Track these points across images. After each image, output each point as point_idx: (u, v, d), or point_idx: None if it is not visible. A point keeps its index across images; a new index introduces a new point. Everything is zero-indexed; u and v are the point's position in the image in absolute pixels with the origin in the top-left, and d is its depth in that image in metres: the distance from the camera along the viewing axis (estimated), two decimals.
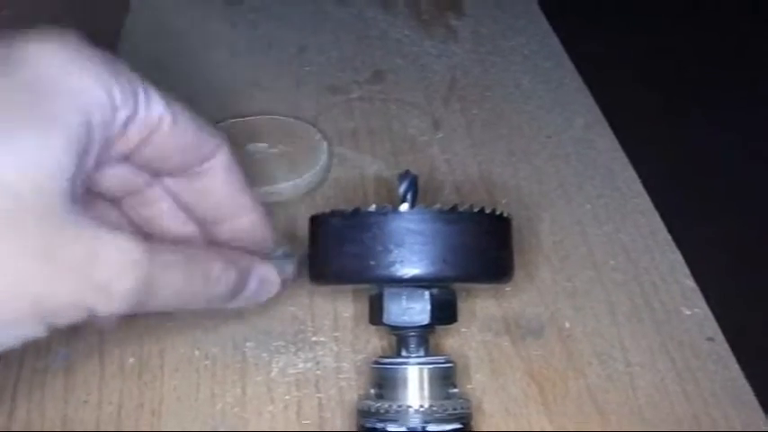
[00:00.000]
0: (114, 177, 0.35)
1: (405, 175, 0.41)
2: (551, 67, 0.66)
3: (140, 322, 0.47)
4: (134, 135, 0.32)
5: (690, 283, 0.51)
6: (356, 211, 0.39)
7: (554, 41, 0.68)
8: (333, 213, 0.40)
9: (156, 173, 0.37)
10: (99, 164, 0.32)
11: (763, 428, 0.44)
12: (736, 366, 0.47)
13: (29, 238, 0.27)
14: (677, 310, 0.49)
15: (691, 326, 0.49)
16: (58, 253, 0.27)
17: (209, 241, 0.40)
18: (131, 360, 0.46)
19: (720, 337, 0.48)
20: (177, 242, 0.39)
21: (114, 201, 0.38)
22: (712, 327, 0.48)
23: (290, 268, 0.41)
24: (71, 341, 0.46)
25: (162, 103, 0.32)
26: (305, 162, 0.55)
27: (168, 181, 0.37)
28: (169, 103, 0.33)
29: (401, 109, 0.62)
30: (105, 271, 0.28)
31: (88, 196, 0.35)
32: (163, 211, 0.39)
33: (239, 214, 0.39)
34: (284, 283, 0.40)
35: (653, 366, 0.46)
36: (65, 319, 0.29)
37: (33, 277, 0.27)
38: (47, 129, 0.27)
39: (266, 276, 0.39)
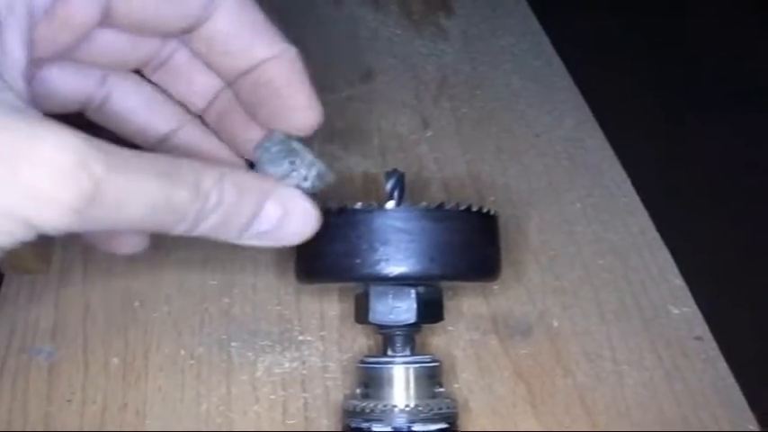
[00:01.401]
0: (110, 45, 0.32)
1: (392, 172, 0.41)
2: (541, 66, 0.66)
3: (126, 319, 0.47)
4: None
5: (678, 281, 0.50)
6: (342, 209, 0.38)
7: (544, 40, 0.68)
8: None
9: (158, 33, 0.33)
10: (80, 33, 0.29)
11: (751, 428, 0.44)
12: (725, 365, 0.47)
13: None
14: (665, 309, 0.49)
15: (679, 325, 0.48)
16: None
17: (251, 114, 0.35)
18: (116, 360, 0.45)
19: (709, 336, 0.48)
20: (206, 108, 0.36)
21: (136, 71, 0.34)
22: (701, 325, 0.48)
23: (326, 173, 0.34)
24: (56, 338, 0.46)
25: None
26: None
27: (185, 41, 0.33)
28: None
29: (391, 107, 0.62)
30: (40, 174, 0.23)
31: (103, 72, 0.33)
32: (187, 70, 0.35)
33: (262, 59, 0.33)
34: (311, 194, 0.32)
35: (641, 365, 0.46)
36: None
37: None
38: None
39: (290, 204, 0.31)
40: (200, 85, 0.36)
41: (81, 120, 0.34)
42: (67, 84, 0.33)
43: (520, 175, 0.56)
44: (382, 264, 0.37)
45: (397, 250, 0.37)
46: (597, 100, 0.61)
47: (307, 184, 0.32)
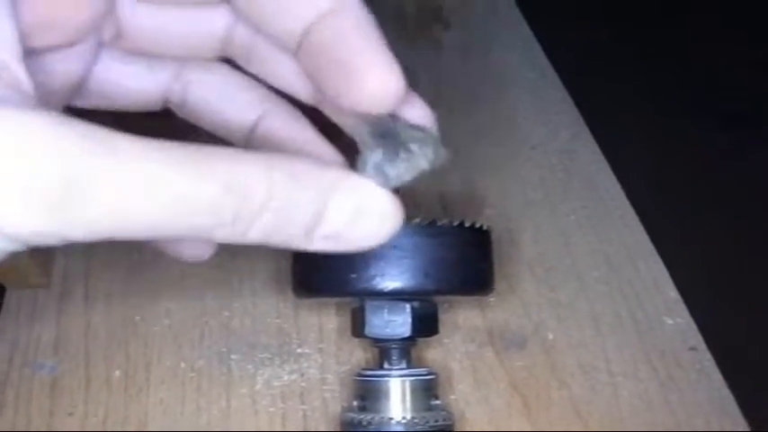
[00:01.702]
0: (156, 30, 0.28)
1: None
2: (535, 78, 0.66)
3: (127, 332, 0.47)
4: None
5: (673, 293, 0.51)
6: None
7: (539, 53, 0.68)
8: None
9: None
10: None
11: None
12: (719, 376, 0.47)
13: None
14: (660, 320, 0.50)
15: (673, 335, 0.49)
16: None
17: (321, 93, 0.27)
18: (117, 373, 0.46)
19: (703, 347, 0.48)
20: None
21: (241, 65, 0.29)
22: (695, 336, 0.49)
23: (425, 153, 0.26)
24: (58, 352, 0.46)
25: None
26: None
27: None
28: None
29: None
30: None
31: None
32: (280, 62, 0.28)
33: (318, 6, 0.25)
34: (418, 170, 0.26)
35: (636, 376, 0.47)
36: None
37: None
38: None
39: (367, 199, 0.24)
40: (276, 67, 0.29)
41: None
42: (134, 81, 0.30)
43: (515, 187, 0.57)
44: (377, 279, 0.38)
45: (391, 266, 0.38)
46: (592, 112, 0.62)
47: (424, 164, 0.26)
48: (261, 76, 0.30)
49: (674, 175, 0.57)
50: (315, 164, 0.23)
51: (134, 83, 0.30)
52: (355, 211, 0.23)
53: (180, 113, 0.31)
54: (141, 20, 0.28)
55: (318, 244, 0.23)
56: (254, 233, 0.22)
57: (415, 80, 0.26)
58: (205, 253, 0.29)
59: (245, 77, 0.30)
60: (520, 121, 0.62)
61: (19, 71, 0.21)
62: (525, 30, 0.70)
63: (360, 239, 0.24)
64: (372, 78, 0.25)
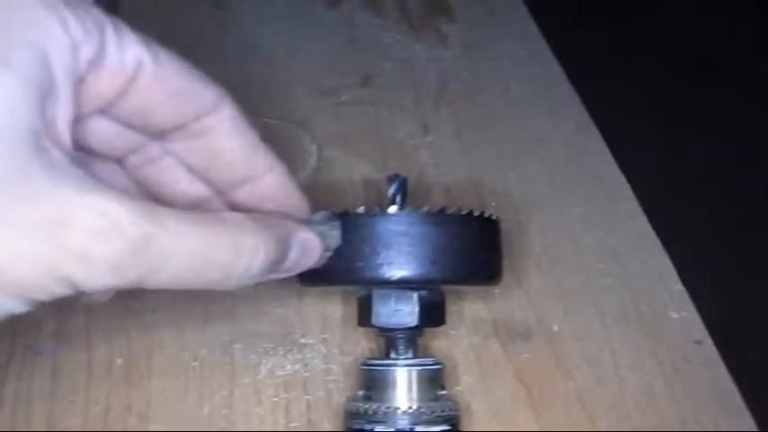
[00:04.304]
0: (101, 133, 0.31)
1: (394, 177, 0.42)
2: (541, 71, 0.66)
3: (129, 320, 0.47)
4: (107, 82, 0.28)
5: (678, 286, 0.51)
6: (346, 213, 0.39)
7: (543, 46, 0.68)
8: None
9: (150, 132, 0.32)
10: (78, 116, 0.28)
11: (750, 431, 0.44)
12: (724, 369, 0.47)
13: None
14: (665, 314, 0.49)
15: (679, 329, 0.49)
16: (17, 215, 0.23)
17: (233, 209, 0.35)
18: (119, 361, 0.45)
19: (708, 340, 0.48)
20: (192, 203, 0.35)
21: (119, 162, 0.34)
22: (700, 330, 0.49)
23: (333, 235, 0.37)
24: (59, 339, 0.46)
25: (139, 45, 0.28)
26: (294, 164, 0.55)
27: (173, 145, 0.33)
28: (150, 46, 0.29)
29: (390, 112, 0.62)
30: (80, 235, 0.24)
31: (80, 155, 0.31)
32: (174, 173, 0.34)
33: (256, 175, 0.35)
34: (326, 252, 0.36)
35: (641, 369, 0.47)
36: (41, 291, 0.25)
37: None
38: None
39: (308, 243, 0.34)
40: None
41: None
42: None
43: (520, 180, 0.57)
44: (385, 267, 0.38)
45: (399, 254, 0.38)
46: (597, 105, 0.61)
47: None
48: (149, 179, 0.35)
49: (680, 169, 0.57)
50: (279, 217, 0.33)
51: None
52: (302, 250, 0.34)
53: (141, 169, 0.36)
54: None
55: (273, 276, 0.33)
56: (243, 278, 0.30)
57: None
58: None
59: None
60: (524, 115, 0.62)
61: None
62: (530, 23, 0.70)
63: (300, 269, 0.34)
64: (266, 182, 0.35)
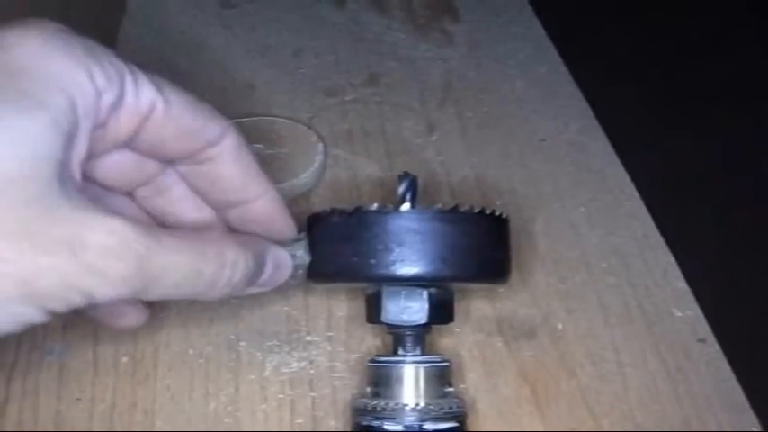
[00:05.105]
0: (116, 165, 0.36)
1: (404, 175, 0.42)
2: (546, 71, 0.66)
3: None
4: (126, 121, 0.32)
5: (681, 284, 0.51)
6: (358, 210, 0.39)
7: (548, 46, 0.69)
8: (333, 212, 0.40)
9: (162, 159, 0.37)
10: (95, 152, 0.32)
11: (754, 430, 0.45)
12: (728, 368, 0.47)
13: (13, 220, 0.27)
14: (669, 312, 0.49)
15: (682, 327, 0.49)
16: (43, 234, 0.27)
17: (228, 228, 0.40)
18: (125, 358, 0.46)
19: (712, 339, 0.48)
20: (192, 227, 0.40)
21: (128, 193, 0.38)
22: (704, 328, 0.49)
23: (301, 253, 0.40)
24: (66, 337, 0.46)
25: (152, 89, 0.32)
26: (301, 163, 0.55)
27: (180, 168, 0.38)
28: (161, 89, 0.33)
29: (396, 112, 0.62)
30: (97, 253, 0.28)
31: (93, 187, 0.36)
32: (177, 199, 0.39)
33: (251, 199, 0.38)
34: (296, 271, 0.40)
35: (645, 367, 0.47)
36: (60, 302, 0.28)
37: (17, 258, 0.27)
38: (31, 110, 0.27)
39: (280, 260, 0.39)
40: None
41: None
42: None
43: (525, 179, 0.57)
44: (397, 264, 0.38)
45: (411, 251, 0.38)
46: (601, 105, 0.62)
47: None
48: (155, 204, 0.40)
49: (683, 168, 0.57)
50: (257, 237, 0.38)
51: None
52: (276, 267, 0.38)
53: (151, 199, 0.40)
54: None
55: (252, 290, 0.37)
56: (226, 290, 0.34)
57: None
58: (140, 321, 0.41)
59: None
60: (529, 114, 0.62)
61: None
62: (535, 23, 0.70)
63: (274, 284, 0.39)
64: (259, 206, 0.39)
